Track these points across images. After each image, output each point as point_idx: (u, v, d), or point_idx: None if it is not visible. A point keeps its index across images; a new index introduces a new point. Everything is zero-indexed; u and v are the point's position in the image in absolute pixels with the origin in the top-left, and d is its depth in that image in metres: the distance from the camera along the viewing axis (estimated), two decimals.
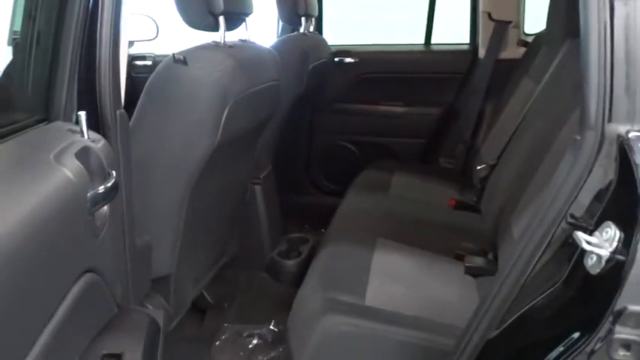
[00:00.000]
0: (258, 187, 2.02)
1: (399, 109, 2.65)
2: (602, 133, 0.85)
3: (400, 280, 1.45)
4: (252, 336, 1.81)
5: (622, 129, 0.84)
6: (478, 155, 2.22)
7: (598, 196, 0.87)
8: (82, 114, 0.90)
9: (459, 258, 1.55)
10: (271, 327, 1.83)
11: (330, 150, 2.71)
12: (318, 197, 2.71)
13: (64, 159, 0.79)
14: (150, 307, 1.38)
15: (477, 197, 1.98)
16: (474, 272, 1.50)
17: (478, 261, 1.52)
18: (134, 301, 1.16)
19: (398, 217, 1.86)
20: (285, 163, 2.43)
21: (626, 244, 0.77)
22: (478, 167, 2.00)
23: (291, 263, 2.05)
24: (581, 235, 0.82)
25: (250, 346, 1.79)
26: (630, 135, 0.83)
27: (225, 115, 1.33)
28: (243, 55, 1.49)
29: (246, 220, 2.01)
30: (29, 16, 0.92)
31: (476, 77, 2.56)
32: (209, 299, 1.87)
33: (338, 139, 2.71)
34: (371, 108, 2.66)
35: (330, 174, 2.73)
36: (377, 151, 2.64)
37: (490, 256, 1.54)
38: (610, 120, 0.85)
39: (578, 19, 0.87)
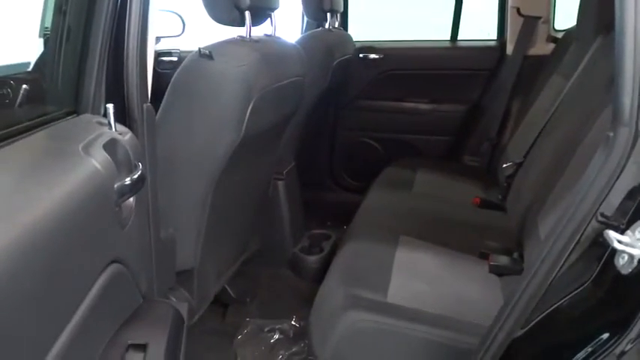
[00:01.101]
0: (280, 183, 2.03)
1: (424, 106, 2.62)
2: (637, 130, 0.83)
3: (423, 278, 1.43)
4: (273, 331, 1.82)
5: None
6: (504, 153, 2.18)
7: (631, 195, 0.84)
8: (110, 107, 0.91)
9: (484, 256, 1.53)
10: (293, 322, 1.84)
11: (353, 147, 2.70)
12: (341, 194, 2.71)
13: (93, 150, 0.80)
14: (174, 299, 1.40)
15: (503, 195, 1.95)
16: (498, 271, 1.47)
17: (503, 260, 1.49)
18: (159, 293, 1.17)
19: (421, 215, 1.84)
20: (307, 159, 2.43)
21: None
22: (504, 165, 1.97)
23: (313, 259, 2.05)
24: (612, 234, 0.80)
25: (272, 340, 1.80)
26: None
27: (249, 109, 1.34)
28: (269, 50, 1.49)
29: (268, 215, 2.02)
30: (59, 10, 0.94)
31: (503, 74, 2.52)
32: (231, 294, 1.89)
33: (361, 136, 2.69)
34: (395, 105, 2.64)
35: (352, 171, 2.72)
36: (400, 148, 2.62)
37: (515, 255, 1.51)
38: None
39: (610, 14, 0.85)
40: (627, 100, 0.83)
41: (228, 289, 1.87)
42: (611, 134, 0.85)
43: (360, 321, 1.26)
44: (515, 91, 2.46)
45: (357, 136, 2.70)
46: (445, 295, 1.36)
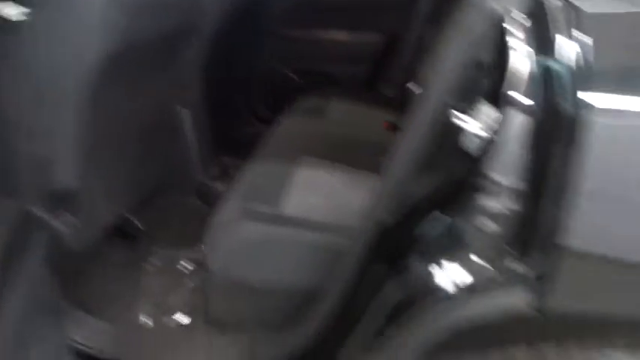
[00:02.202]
0: (185, 111, 1.96)
1: (342, 37, 2.58)
2: None
3: (320, 192, 1.46)
4: (183, 260, 1.80)
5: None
6: (417, 81, 2.19)
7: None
8: None
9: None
10: (202, 251, 1.82)
11: (270, 78, 2.64)
12: (257, 126, 2.66)
13: None
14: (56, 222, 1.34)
15: None
16: None
17: None
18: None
19: (329, 139, 1.85)
20: (221, 89, 2.35)
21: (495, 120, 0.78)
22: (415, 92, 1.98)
23: (221, 187, 2.02)
24: (457, 115, 0.82)
25: (182, 269, 1.79)
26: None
27: (118, 17, 1.24)
28: None
29: (174, 144, 1.96)
30: None
31: (420, 3, 2.50)
32: (139, 225, 1.85)
33: (278, 67, 2.63)
34: (312, 34, 2.58)
35: (269, 102, 2.67)
36: (318, 78, 2.58)
37: None
38: None
39: None
40: None
41: (136, 220, 1.83)
42: None
43: (249, 231, 1.27)
44: (431, 19, 2.45)
45: (275, 67, 2.63)
46: (339, 206, 1.38)
